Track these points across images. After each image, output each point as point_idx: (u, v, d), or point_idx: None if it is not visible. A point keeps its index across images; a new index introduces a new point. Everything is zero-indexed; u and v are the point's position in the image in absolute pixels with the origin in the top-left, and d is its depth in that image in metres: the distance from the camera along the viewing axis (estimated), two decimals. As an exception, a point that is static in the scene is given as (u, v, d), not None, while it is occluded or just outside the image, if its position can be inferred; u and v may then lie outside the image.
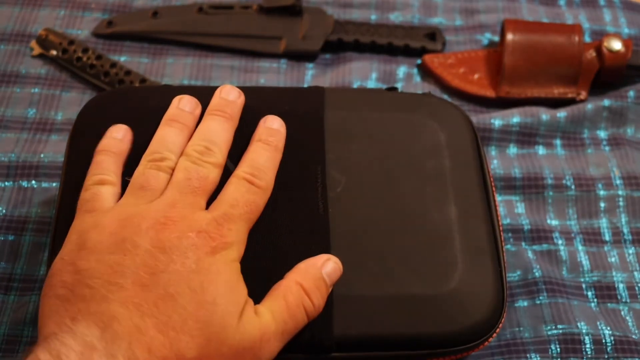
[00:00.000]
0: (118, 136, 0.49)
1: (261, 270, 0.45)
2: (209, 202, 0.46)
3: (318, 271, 0.45)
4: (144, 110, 0.51)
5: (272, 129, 0.50)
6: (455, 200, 0.49)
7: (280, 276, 0.45)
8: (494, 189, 0.52)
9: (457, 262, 0.47)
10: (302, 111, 0.52)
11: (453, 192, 0.50)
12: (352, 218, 0.48)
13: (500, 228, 0.50)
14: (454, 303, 0.46)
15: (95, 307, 0.40)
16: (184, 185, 0.45)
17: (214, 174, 0.47)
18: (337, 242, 0.47)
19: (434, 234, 0.48)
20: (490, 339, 0.47)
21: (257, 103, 0.52)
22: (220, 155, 0.48)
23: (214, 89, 0.52)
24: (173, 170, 0.47)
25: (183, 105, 0.50)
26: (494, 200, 0.51)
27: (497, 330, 0.47)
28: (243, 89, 0.53)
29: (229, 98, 0.51)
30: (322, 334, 0.44)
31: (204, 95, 0.52)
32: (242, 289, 0.43)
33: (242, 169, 0.47)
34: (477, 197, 0.50)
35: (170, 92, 0.52)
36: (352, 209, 0.48)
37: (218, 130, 0.49)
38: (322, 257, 0.45)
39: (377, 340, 0.45)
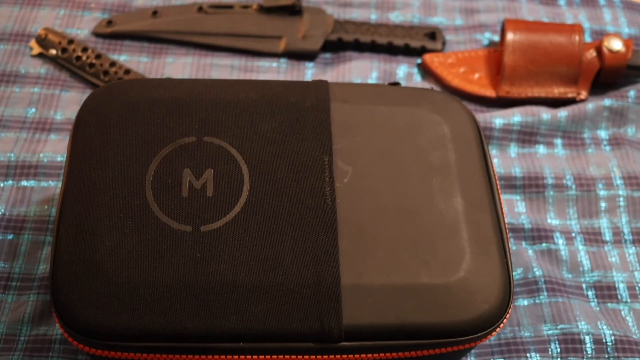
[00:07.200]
0: None
1: (268, 259, 0.45)
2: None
3: None
4: (146, 102, 0.51)
5: None
6: (461, 192, 0.49)
7: (286, 267, 0.45)
8: (497, 181, 0.52)
9: (464, 252, 0.47)
10: (309, 103, 0.52)
11: (458, 184, 0.50)
12: (359, 208, 0.48)
13: (505, 219, 0.50)
14: (462, 292, 0.45)
15: None
16: None
17: None
18: (344, 232, 0.47)
19: (441, 224, 0.48)
20: (498, 329, 0.47)
21: (262, 95, 0.52)
22: None
23: (216, 81, 0.52)
24: None
25: None
26: (498, 192, 0.51)
27: (505, 320, 0.47)
28: (247, 81, 0.53)
29: None
30: (331, 323, 0.44)
31: (205, 88, 0.52)
32: None
33: None
34: (482, 189, 0.50)
35: (171, 85, 0.52)
36: (359, 200, 0.48)
37: None
38: None
39: (386, 330, 0.45)
